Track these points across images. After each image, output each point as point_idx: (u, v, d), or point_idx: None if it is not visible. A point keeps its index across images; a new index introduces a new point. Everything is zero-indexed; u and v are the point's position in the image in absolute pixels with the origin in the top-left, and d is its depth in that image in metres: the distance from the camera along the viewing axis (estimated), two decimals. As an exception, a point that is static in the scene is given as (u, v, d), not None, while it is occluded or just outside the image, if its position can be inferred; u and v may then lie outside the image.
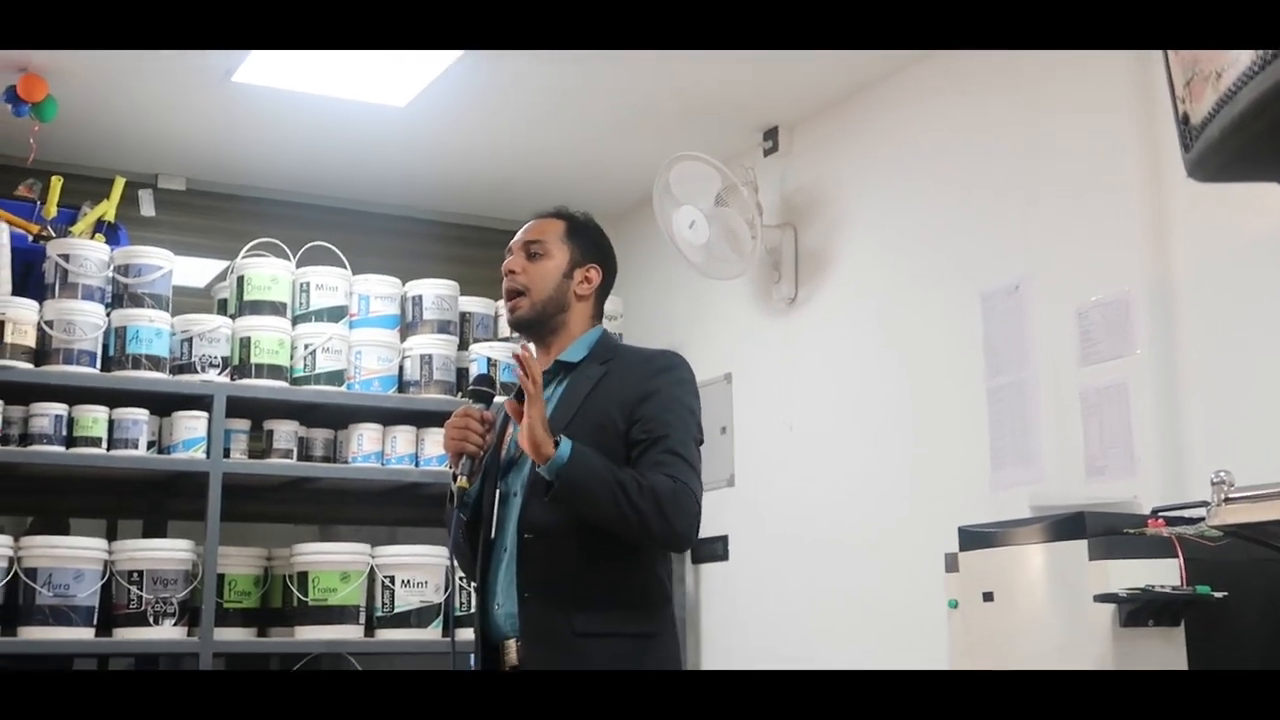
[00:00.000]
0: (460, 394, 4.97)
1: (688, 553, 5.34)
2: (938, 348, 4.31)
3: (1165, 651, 2.87)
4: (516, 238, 2.86)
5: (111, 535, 4.90)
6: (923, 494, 4.30)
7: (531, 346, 2.84)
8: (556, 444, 2.53)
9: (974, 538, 3.25)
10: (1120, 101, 3.73)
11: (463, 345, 5.08)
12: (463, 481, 2.69)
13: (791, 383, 4.94)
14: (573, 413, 2.67)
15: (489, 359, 5.01)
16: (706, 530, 5.20)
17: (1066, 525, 3.00)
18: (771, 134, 5.08)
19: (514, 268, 2.80)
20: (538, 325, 2.81)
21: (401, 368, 4.95)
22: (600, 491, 2.53)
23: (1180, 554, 2.92)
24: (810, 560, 4.74)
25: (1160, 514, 3.04)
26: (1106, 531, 2.95)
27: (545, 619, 2.57)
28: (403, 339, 4.99)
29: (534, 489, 2.63)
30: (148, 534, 4.96)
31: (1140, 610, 2.86)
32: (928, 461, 4.30)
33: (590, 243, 2.87)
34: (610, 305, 5.36)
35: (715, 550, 5.22)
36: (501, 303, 2.88)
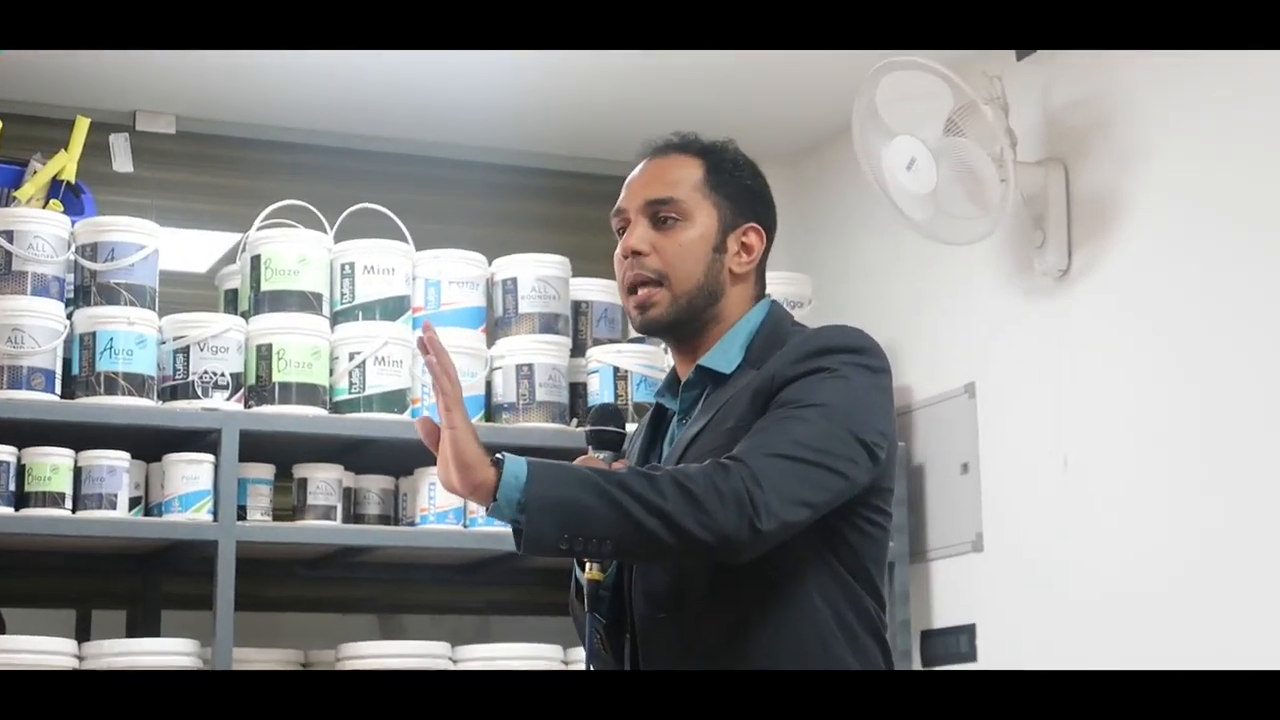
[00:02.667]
0: (575, 422, 4.94)
1: (915, 651, 5.28)
2: (1291, 339, 4.24)
3: None
4: (631, 193, 2.79)
5: (83, 633, 4.97)
6: (1278, 560, 4.20)
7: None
8: (497, 465, 2.45)
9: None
10: None
11: (577, 350, 5.08)
12: (593, 572, 2.62)
13: (1064, 395, 4.87)
14: (695, 433, 2.66)
15: (615, 369, 4.98)
16: (942, 618, 5.21)
17: None
18: (1027, 27, 4.99)
19: (639, 245, 2.73)
20: (683, 327, 2.76)
21: (489, 384, 4.96)
22: (594, 504, 2.42)
23: None
24: (1103, 661, 4.65)
25: None
26: None
27: None
28: (490, 342, 5.00)
29: None
30: (133, 630, 5.02)
31: None
32: None
33: (742, 189, 2.80)
34: (790, 287, 5.39)
35: (954, 646, 5.16)
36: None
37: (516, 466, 2.43)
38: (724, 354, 2.73)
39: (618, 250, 2.78)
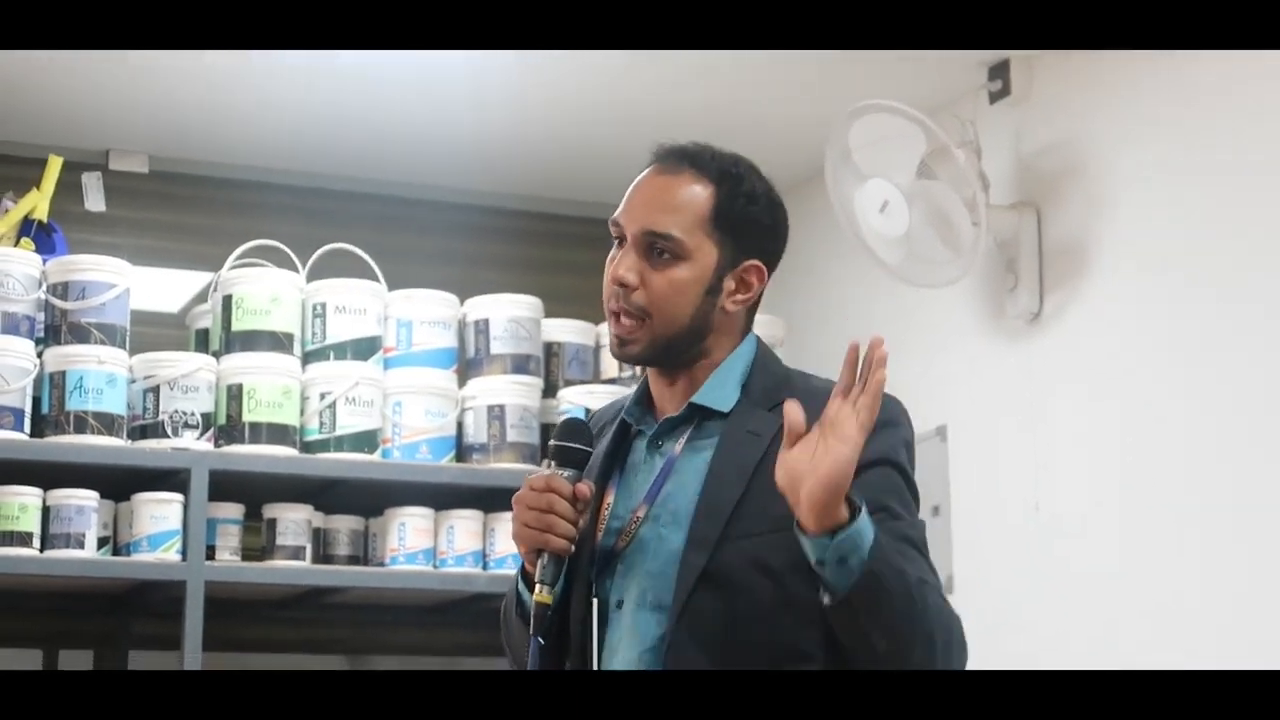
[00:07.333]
0: (546, 463, 4.92)
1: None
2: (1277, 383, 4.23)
3: None
4: (631, 209, 2.65)
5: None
6: (1267, 616, 4.18)
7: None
8: (853, 510, 2.39)
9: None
10: None
11: (548, 391, 5.08)
12: (543, 594, 2.56)
13: (1036, 439, 4.88)
14: (737, 498, 2.53)
15: (587, 410, 4.96)
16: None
17: None
18: (1000, 71, 5.01)
19: (627, 278, 2.61)
20: (662, 362, 2.67)
21: (460, 425, 4.96)
22: (903, 606, 2.48)
23: None
24: (1070, 704, 4.63)
25: None
26: None
27: None
28: (462, 383, 4.99)
29: (687, 611, 2.51)
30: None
31: None
32: (1273, 562, 4.19)
33: (750, 223, 2.68)
34: (763, 329, 5.37)
35: (926, 689, 5.13)
36: (604, 327, 2.78)
37: (867, 528, 2.41)
38: (720, 391, 2.64)
39: (608, 269, 2.65)
